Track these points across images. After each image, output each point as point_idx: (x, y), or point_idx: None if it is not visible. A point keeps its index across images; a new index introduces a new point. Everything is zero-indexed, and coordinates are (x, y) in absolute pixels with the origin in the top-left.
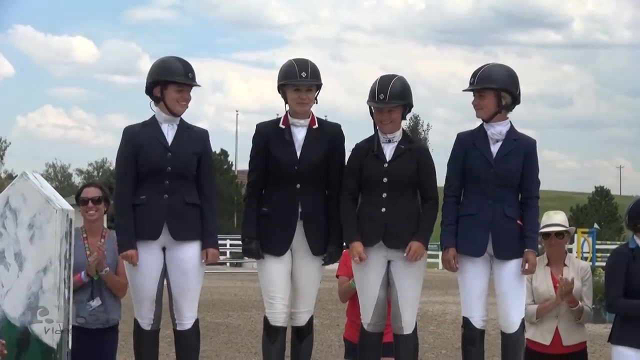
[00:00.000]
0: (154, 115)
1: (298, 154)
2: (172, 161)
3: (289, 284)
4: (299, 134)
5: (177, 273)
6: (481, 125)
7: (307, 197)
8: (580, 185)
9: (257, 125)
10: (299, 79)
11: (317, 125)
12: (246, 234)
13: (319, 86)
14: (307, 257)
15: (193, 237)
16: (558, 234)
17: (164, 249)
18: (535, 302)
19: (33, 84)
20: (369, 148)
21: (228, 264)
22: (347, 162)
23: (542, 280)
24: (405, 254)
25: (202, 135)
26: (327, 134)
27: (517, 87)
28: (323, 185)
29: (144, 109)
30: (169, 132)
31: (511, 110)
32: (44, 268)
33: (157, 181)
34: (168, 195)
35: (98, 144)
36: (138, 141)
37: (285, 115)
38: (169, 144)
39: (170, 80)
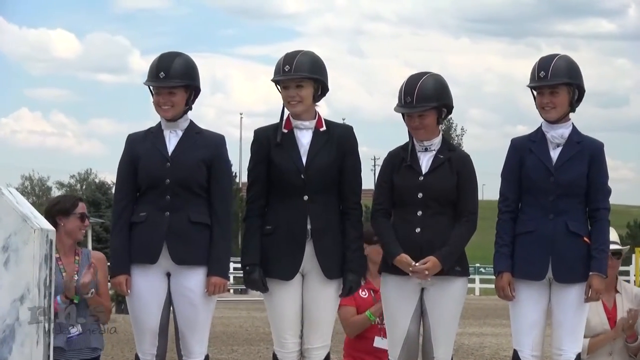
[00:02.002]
0: (160, 121)
1: (304, 160)
2: (171, 172)
3: (300, 315)
4: (304, 138)
5: (183, 303)
6: (539, 128)
7: (317, 211)
8: (638, 198)
9: (255, 131)
10: (281, 74)
11: (324, 128)
12: (247, 260)
13: (317, 81)
14: (320, 282)
15: (200, 262)
16: (614, 253)
17: (168, 275)
18: (585, 334)
19: (6, 83)
20: (403, 158)
21: (232, 290)
22: (379, 172)
23: (593, 310)
24: (410, 268)
25: (213, 141)
26: (337, 137)
27: (582, 80)
28: (335, 198)
29: (134, 113)
30: (172, 139)
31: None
32: (21, 297)
33: (157, 196)
34: (170, 213)
35: (81, 152)
36: (137, 150)
37: (288, 118)
38: (169, 152)
39: (146, 83)
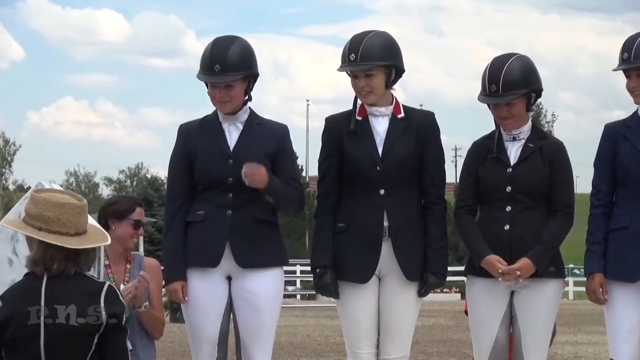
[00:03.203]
0: (217, 110)
1: (380, 150)
2: (234, 170)
3: (376, 322)
4: (380, 126)
5: (245, 310)
6: (635, 112)
7: (394, 207)
8: None
9: (326, 119)
10: (347, 64)
11: (402, 114)
12: (318, 261)
13: (388, 66)
14: (399, 285)
15: (265, 264)
16: None
17: (229, 278)
18: None
19: (48, 70)
20: (489, 148)
21: (298, 296)
22: (463, 165)
23: None
24: (500, 270)
25: (276, 131)
26: (416, 124)
27: None
28: (415, 192)
29: (189, 101)
30: (232, 132)
31: None
32: None
33: (217, 194)
34: (232, 211)
35: (131, 145)
36: (194, 144)
37: (362, 104)
38: (231, 147)
39: (201, 78)
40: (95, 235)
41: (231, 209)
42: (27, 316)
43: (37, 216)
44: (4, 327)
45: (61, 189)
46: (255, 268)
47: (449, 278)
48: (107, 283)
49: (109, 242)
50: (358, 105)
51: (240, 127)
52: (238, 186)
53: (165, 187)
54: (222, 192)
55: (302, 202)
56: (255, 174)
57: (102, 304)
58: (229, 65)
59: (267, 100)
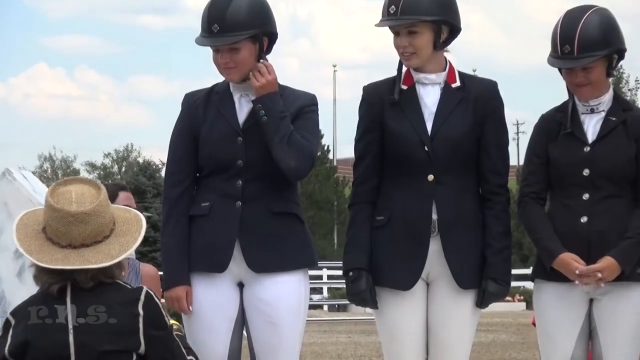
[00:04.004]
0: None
1: (429, 126)
2: (244, 150)
3: (424, 338)
4: (429, 97)
5: (261, 324)
6: None
7: (446, 196)
8: None
9: (364, 88)
10: (386, 17)
11: (458, 83)
12: (351, 263)
13: (438, 22)
14: (451, 292)
15: (284, 267)
16: None
17: (240, 285)
18: None
19: (16, 30)
20: (562, 122)
21: (326, 307)
22: (529, 144)
23: None
24: (577, 272)
25: (297, 101)
26: (474, 96)
27: None
28: (472, 178)
29: (190, 68)
30: (244, 105)
31: None
32: None
33: (225, 181)
34: (242, 202)
35: (119, 122)
36: (198, 117)
37: (408, 70)
38: (241, 123)
39: (199, 42)
40: (125, 233)
41: (241, 199)
42: (52, 338)
43: (57, 232)
44: (23, 351)
45: (78, 178)
46: (270, 272)
47: (512, 283)
48: (145, 289)
49: (141, 235)
50: (403, 72)
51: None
52: (250, 171)
53: (162, 173)
54: (230, 179)
55: (306, 154)
56: (270, 72)
57: (140, 319)
58: (230, 24)
59: (284, 65)
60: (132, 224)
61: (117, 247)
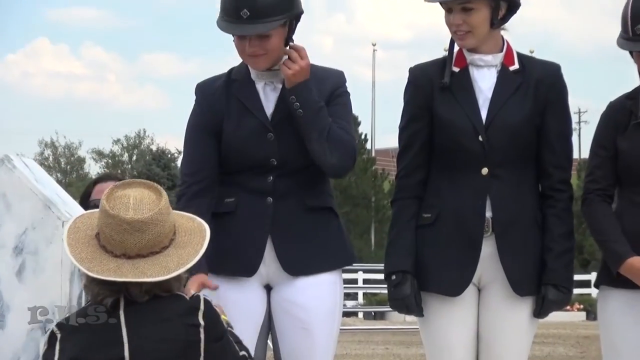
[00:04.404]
0: (243, 62)
1: (484, 114)
2: (277, 147)
3: (474, 349)
4: (485, 81)
5: (292, 330)
6: None
7: (502, 192)
8: None
9: (411, 70)
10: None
11: (517, 66)
12: (394, 265)
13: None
14: (506, 299)
15: (323, 268)
16: None
17: (267, 288)
18: None
19: (16, 1)
20: (632, 111)
21: (361, 314)
22: (595, 135)
23: None
24: None
25: (325, 80)
26: (535, 80)
27: None
28: (531, 173)
29: (208, 44)
30: (269, 94)
31: None
32: (43, 325)
33: (253, 176)
34: (274, 198)
35: (129, 105)
36: (220, 112)
37: (460, 51)
38: (269, 116)
39: (223, 27)
40: (186, 244)
41: (272, 195)
42: (105, 353)
43: (111, 240)
44: None
45: (138, 181)
46: (307, 275)
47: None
48: (203, 297)
49: (203, 248)
50: (455, 52)
51: (280, 86)
52: (283, 167)
53: (178, 163)
54: (260, 175)
55: (348, 150)
56: (303, 56)
57: (201, 330)
58: (263, 9)
59: (318, 43)
60: (195, 234)
61: (175, 260)
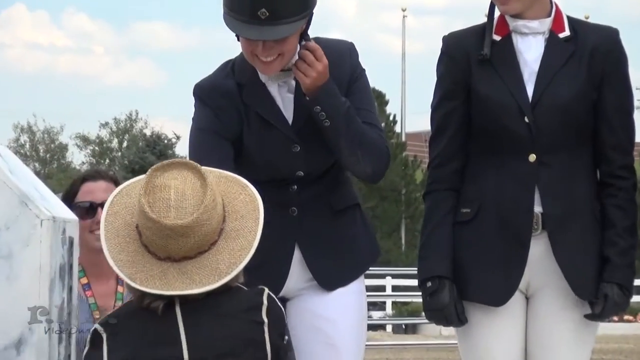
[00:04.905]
0: (243, 57)
1: (530, 90)
2: (303, 159)
3: None
4: (531, 52)
5: (317, 344)
6: None
7: (553, 182)
8: None
9: (444, 39)
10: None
11: (568, 32)
12: (430, 269)
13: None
14: (558, 308)
15: (352, 276)
16: None
17: (281, 300)
18: None
19: None
20: None
21: (390, 327)
22: None
23: None
24: None
25: (340, 59)
26: (589, 49)
27: None
28: (587, 158)
29: (208, 11)
30: (286, 98)
31: None
32: (17, 340)
33: (275, 187)
34: (298, 209)
35: (119, 82)
36: (232, 122)
37: (501, 17)
38: (291, 124)
39: (233, 27)
40: (238, 233)
41: (297, 205)
42: (162, 355)
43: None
44: None
45: (177, 162)
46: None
47: (633, 298)
48: (266, 292)
49: (258, 234)
50: (496, 18)
51: (293, 83)
52: (309, 177)
53: (176, 149)
54: (282, 186)
55: (383, 153)
56: (319, 58)
57: (265, 328)
58: (284, 8)
59: (338, 10)
60: (247, 216)
61: (227, 258)
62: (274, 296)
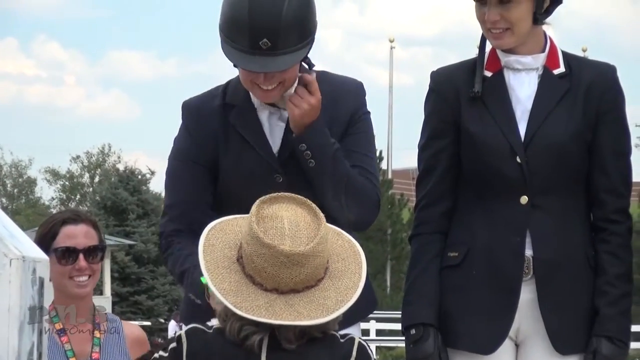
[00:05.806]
0: (239, 79)
1: (522, 129)
2: (285, 190)
3: None
4: (523, 88)
5: None
6: None
7: (544, 226)
8: None
9: (433, 74)
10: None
11: (562, 68)
12: (414, 315)
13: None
14: (549, 357)
15: (346, 323)
16: None
17: None
18: None
19: None
20: None
21: None
22: None
23: None
24: None
25: (344, 97)
26: (585, 87)
27: None
28: (581, 201)
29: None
30: (275, 126)
31: None
32: None
33: None
34: None
35: (92, 114)
36: (214, 143)
37: (493, 52)
38: (276, 153)
39: (232, 57)
40: (342, 273)
41: None
42: None
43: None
44: None
45: (283, 196)
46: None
47: (631, 345)
48: (357, 340)
49: (362, 278)
50: (487, 53)
51: (286, 113)
52: None
53: (150, 185)
54: None
55: (370, 202)
56: (312, 91)
57: None
58: (287, 38)
59: (324, 40)
60: (349, 259)
61: (334, 296)
62: (365, 344)
